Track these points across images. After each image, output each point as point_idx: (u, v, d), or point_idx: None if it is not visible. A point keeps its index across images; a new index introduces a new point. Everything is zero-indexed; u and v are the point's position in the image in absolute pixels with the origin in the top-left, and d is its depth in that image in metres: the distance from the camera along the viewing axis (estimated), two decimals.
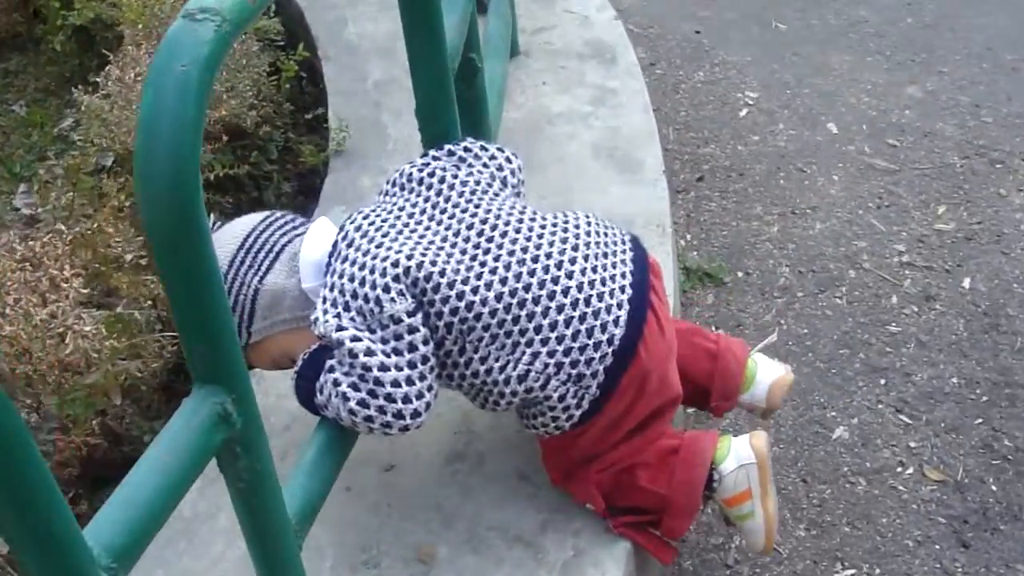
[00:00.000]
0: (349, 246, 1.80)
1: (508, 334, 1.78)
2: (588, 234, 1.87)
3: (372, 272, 1.73)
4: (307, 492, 1.74)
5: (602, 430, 1.89)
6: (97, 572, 1.20)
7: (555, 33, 3.43)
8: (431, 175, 1.91)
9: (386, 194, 1.97)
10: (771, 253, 3.30)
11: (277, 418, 2.27)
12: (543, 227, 1.86)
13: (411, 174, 1.94)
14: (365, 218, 1.87)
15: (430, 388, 1.78)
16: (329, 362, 1.78)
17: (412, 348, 1.73)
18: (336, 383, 1.76)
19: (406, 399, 1.74)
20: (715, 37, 4.38)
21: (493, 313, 1.76)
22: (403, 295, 1.72)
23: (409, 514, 2.06)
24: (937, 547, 2.52)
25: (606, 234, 1.91)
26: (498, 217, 1.84)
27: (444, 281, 1.74)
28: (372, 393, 1.73)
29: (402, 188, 1.94)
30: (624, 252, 1.90)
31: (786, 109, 3.92)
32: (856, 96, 3.99)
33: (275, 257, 1.88)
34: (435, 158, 1.97)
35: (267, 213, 1.99)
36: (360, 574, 1.98)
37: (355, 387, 1.74)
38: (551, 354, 1.77)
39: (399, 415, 1.75)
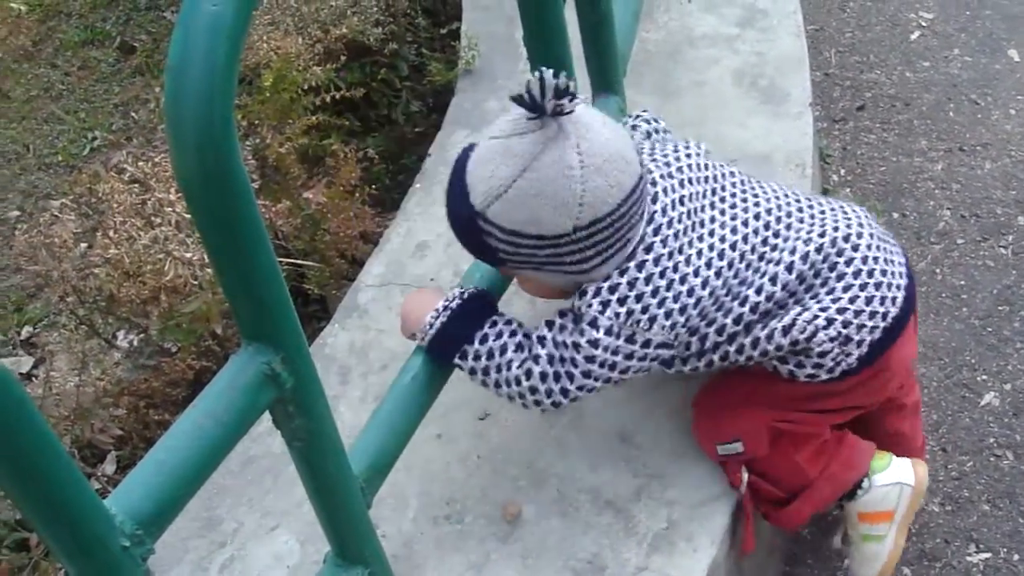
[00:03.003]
0: (651, 257, 1.64)
1: (782, 307, 1.75)
2: (862, 218, 1.83)
3: (673, 302, 1.65)
4: (378, 447, 1.65)
5: (819, 394, 1.85)
6: (118, 539, 1.13)
7: None
8: (690, 170, 1.75)
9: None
10: (932, 193, 3.04)
11: (376, 355, 2.19)
12: (822, 210, 1.81)
13: (668, 161, 1.75)
14: (663, 224, 1.66)
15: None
16: (542, 331, 1.71)
17: (638, 371, 1.70)
18: (534, 352, 1.70)
19: (575, 398, 1.71)
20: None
21: (771, 297, 1.73)
22: (678, 326, 1.66)
23: (499, 468, 1.96)
24: None
25: (877, 224, 1.87)
26: (771, 204, 1.78)
27: (731, 296, 1.71)
28: (557, 376, 1.69)
29: (666, 177, 1.71)
30: (895, 245, 1.88)
31: (963, 32, 3.59)
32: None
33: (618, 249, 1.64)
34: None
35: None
36: (441, 528, 1.89)
37: (551, 360, 1.69)
38: (824, 309, 1.73)
39: (556, 404, 1.72)
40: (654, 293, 1.62)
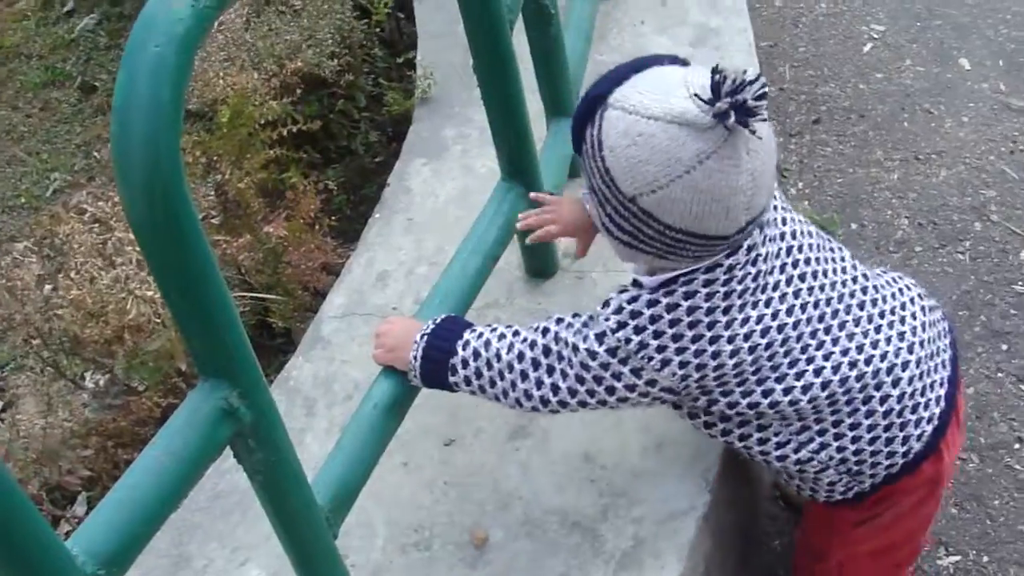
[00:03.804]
0: (687, 305, 1.52)
1: (802, 420, 1.64)
2: (923, 327, 1.70)
3: (694, 356, 1.53)
4: (342, 477, 1.66)
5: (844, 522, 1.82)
6: None
7: None
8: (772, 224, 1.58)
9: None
10: (889, 203, 3.07)
11: (341, 386, 2.20)
12: (881, 312, 1.66)
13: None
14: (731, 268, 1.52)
15: None
16: (546, 323, 1.65)
17: (637, 404, 1.64)
18: (530, 339, 1.65)
19: (564, 402, 1.64)
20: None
21: (794, 403, 1.60)
22: (690, 380, 1.56)
23: (465, 493, 1.96)
24: None
25: (934, 324, 1.75)
26: (832, 293, 1.62)
27: (751, 379, 1.58)
28: (551, 370, 1.62)
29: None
30: (946, 349, 1.76)
31: (915, 43, 3.64)
32: (993, 28, 3.67)
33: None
34: None
35: None
36: (410, 555, 1.89)
37: (547, 352, 1.63)
38: (841, 449, 1.66)
39: (545, 401, 1.65)
40: (676, 338, 1.51)
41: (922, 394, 1.67)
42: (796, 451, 1.66)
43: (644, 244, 1.46)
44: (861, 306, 1.65)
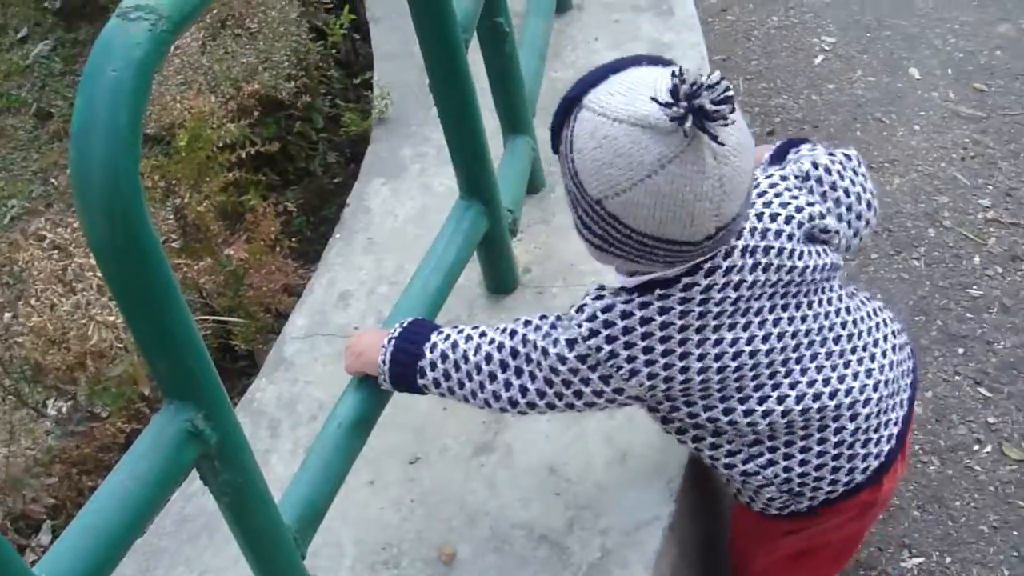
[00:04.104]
0: (661, 320, 1.50)
1: (757, 435, 1.64)
2: (891, 366, 1.71)
3: (663, 369, 1.52)
4: (308, 497, 1.66)
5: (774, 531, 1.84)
6: None
7: None
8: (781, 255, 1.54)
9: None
10: None
11: (305, 406, 2.21)
12: (853, 348, 1.66)
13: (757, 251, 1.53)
14: (713, 287, 1.49)
15: None
16: (514, 325, 1.64)
17: (605, 408, 1.62)
18: (497, 341, 1.64)
19: (532, 403, 1.63)
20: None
21: (752, 424, 1.61)
22: (657, 390, 1.55)
23: (432, 510, 1.97)
24: (1015, 533, 2.35)
25: (902, 363, 1.76)
26: (813, 324, 1.61)
27: (715, 395, 1.58)
28: (519, 372, 1.61)
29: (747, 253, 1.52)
30: (906, 389, 1.76)
31: (865, 54, 3.69)
32: (941, 37, 3.73)
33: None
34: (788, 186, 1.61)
35: None
36: (379, 574, 1.90)
37: (514, 354, 1.62)
38: (787, 470, 1.66)
39: (514, 402, 1.64)
40: (647, 350, 1.50)
41: (875, 431, 1.68)
42: (745, 462, 1.66)
43: (615, 248, 1.43)
44: (836, 340, 1.64)
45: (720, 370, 1.53)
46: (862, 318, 1.70)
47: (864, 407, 1.65)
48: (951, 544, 2.34)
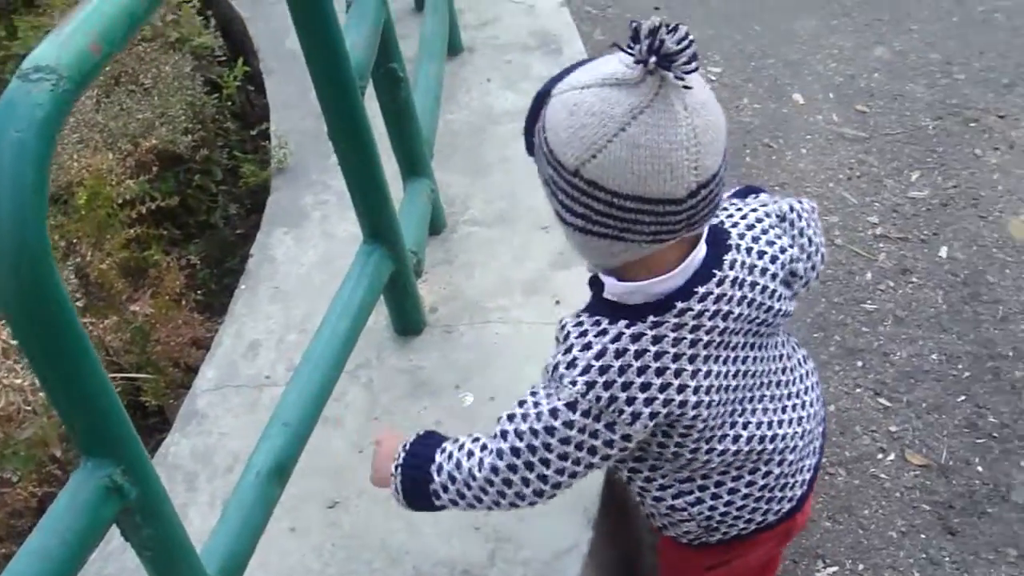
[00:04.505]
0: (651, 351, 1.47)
1: (693, 471, 1.64)
2: (813, 415, 1.74)
3: (642, 392, 1.47)
4: (229, 548, 1.66)
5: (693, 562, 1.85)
6: None
7: (500, 26, 3.31)
8: (739, 303, 1.52)
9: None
10: None
11: (220, 458, 2.20)
12: (789, 394, 1.68)
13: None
14: (701, 316, 1.48)
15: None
16: (501, 426, 1.58)
17: (605, 458, 1.54)
18: (494, 449, 1.58)
19: (558, 484, 1.56)
20: (675, 11, 4.25)
21: (700, 460, 1.60)
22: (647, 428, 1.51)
23: (354, 554, 1.98)
24: (923, 536, 2.43)
25: (819, 412, 1.78)
26: (765, 367, 1.62)
27: (695, 432, 1.55)
28: (529, 465, 1.54)
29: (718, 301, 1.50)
30: (819, 437, 1.79)
31: (750, 82, 3.80)
32: (822, 63, 3.86)
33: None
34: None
35: None
36: None
37: (516, 453, 1.54)
38: (712, 508, 1.68)
39: (540, 493, 1.57)
40: (645, 387, 1.46)
41: (793, 476, 1.71)
42: (674, 497, 1.68)
43: (598, 224, 1.37)
44: (778, 384, 1.66)
45: (709, 404, 1.52)
46: (794, 366, 1.72)
47: (791, 453, 1.68)
48: (862, 552, 2.40)
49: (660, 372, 1.45)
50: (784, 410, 1.67)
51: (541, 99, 1.42)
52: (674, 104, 1.29)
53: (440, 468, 1.64)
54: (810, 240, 1.64)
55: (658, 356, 1.45)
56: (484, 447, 1.60)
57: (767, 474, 1.67)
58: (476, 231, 2.60)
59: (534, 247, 2.53)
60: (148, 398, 2.47)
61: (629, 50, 1.29)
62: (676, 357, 1.46)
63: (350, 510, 2.05)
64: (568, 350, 1.48)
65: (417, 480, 1.66)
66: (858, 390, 2.72)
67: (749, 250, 1.53)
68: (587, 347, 1.46)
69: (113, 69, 2.92)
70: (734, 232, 1.53)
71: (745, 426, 1.60)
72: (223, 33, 3.39)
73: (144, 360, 2.48)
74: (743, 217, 1.57)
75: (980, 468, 2.55)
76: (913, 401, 2.70)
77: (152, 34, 3.05)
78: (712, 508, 1.68)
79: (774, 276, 1.55)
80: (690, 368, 1.47)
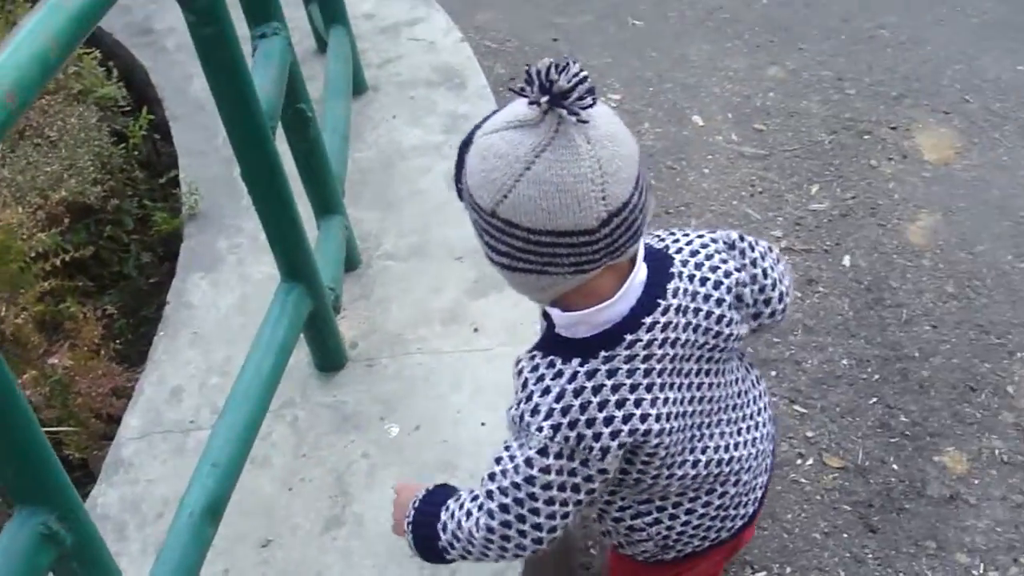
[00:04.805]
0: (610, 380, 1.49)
1: (652, 494, 1.67)
2: (765, 435, 1.77)
3: (607, 427, 1.48)
4: None
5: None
6: None
7: (403, 63, 3.36)
8: (695, 328, 1.55)
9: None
10: None
11: (149, 505, 2.20)
12: (742, 416, 1.71)
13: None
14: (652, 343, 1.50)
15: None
16: (485, 486, 1.58)
17: (590, 492, 1.55)
18: (486, 509, 1.58)
19: (554, 528, 1.57)
20: (573, 42, 4.33)
21: (659, 485, 1.63)
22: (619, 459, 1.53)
23: None
24: (845, 536, 2.50)
25: (771, 433, 1.81)
26: (719, 391, 1.64)
27: (656, 460, 1.57)
28: (521, 518, 1.55)
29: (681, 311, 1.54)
30: (769, 455, 1.82)
31: (650, 107, 3.89)
32: (719, 85, 3.96)
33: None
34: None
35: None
36: None
37: (505, 509, 1.56)
38: (669, 528, 1.72)
39: (539, 542, 1.58)
40: (608, 421, 1.47)
41: (746, 495, 1.76)
42: (633, 518, 1.71)
43: (521, 261, 1.40)
44: (734, 407, 1.69)
45: (670, 431, 1.53)
46: (748, 388, 1.75)
47: (746, 473, 1.72)
48: (789, 555, 2.46)
49: (620, 404, 1.47)
50: (740, 432, 1.70)
51: (464, 148, 1.45)
52: (575, 139, 1.31)
53: (445, 527, 1.66)
54: (765, 273, 1.65)
55: (615, 389, 1.47)
56: (481, 506, 1.61)
57: (723, 494, 1.70)
58: (391, 265, 2.64)
59: (449, 277, 2.57)
60: (71, 451, 2.45)
61: (524, 92, 1.32)
62: (633, 388, 1.48)
63: (283, 547, 2.06)
64: (529, 398, 1.50)
65: (427, 537, 1.69)
66: (774, 399, 2.79)
67: (692, 277, 1.55)
68: (546, 392, 1.48)
69: (18, 123, 2.90)
70: (678, 259, 1.56)
71: (704, 451, 1.63)
72: (126, 83, 3.39)
73: (65, 413, 2.47)
74: (688, 243, 1.60)
75: (895, 466, 2.63)
76: (827, 406, 2.78)
77: (55, 86, 3.03)
78: (669, 528, 1.71)
79: (719, 301, 1.56)
80: (648, 397, 1.49)
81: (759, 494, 1.80)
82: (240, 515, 2.03)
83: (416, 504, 1.73)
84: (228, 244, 2.77)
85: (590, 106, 1.31)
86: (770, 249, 1.71)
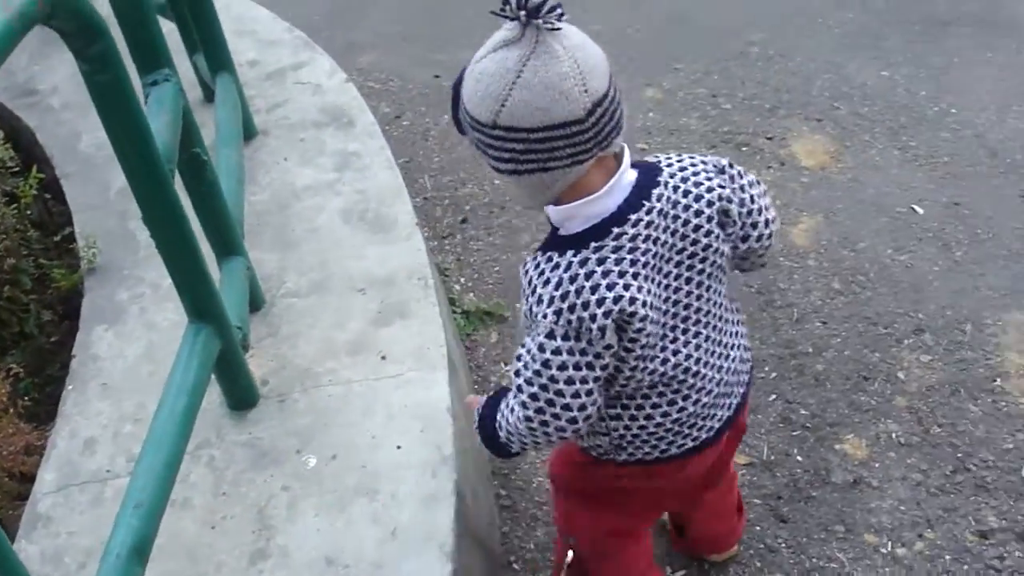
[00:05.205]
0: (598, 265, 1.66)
1: (621, 388, 1.82)
2: (730, 371, 1.92)
3: (599, 307, 1.64)
4: None
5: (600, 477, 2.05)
6: None
7: (290, 107, 3.40)
8: (686, 223, 1.72)
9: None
10: None
11: (72, 557, 2.19)
12: (716, 341, 1.86)
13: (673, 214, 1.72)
14: (638, 237, 1.68)
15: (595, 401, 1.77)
16: (515, 380, 1.77)
17: (604, 367, 1.72)
18: (518, 400, 1.77)
19: (583, 406, 1.74)
20: (456, 78, 4.39)
21: (638, 380, 1.79)
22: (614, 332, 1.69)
23: None
24: (758, 528, 2.58)
25: (739, 374, 1.97)
26: (704, 301, 1.81)
27: (637, 348, 1.72)
28: (551, 402, 1.73)
29: (662, 216, 1.70)
30: (736, 396, 1.98)
31: None
32: None
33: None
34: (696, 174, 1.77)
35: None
36: None
37: (534, 397, 1.74)
38: (627, 428, 1.88)
39: (574, 421, 1.75)
40: (600, 303, 1.63)
41: (703, 419, 1.91)
42: (631, 418, 1.87)
43: (525, 163, 1.58)
44: (710, 328, 1.84)
45: (647, 319, 1.69)
46: (726, 321, 1.90)
47: (706, 395, 1.88)
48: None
49: (609, 286, 1.63)
50: (709, 353, 1.85)
51: (458, 87, 1.65)
52: (553, 46, 1.52)
53: (500, 425, 1.88)
54: (752, 198, 1.82)
55: (605, 273, 1.64)
56: (518, 400, 1.79)
57: (681, 409, 1.86)
58: (295, 302, 2.67)
59: (353, 310, 2.61)
60: None
61: (503, 12, 1.53)
62: (620, 274, 1.65)
63: None
64: (534, 291, 1.68)
65: (492, 437, 1.92)
66: None
67: (676, 188, 1.71)
68: (547, 282, 1.67)
69: None
70: (667, 171, 1.72)
71: (675, 353, 1.79)
72: (12, 145, 3.38)
73: None
74: (679, 160, 1.77)
75: (799, 457, 2.73)
76: None
77: None
78: (627, 428, 1.88)
79: (699, 213, 1.72)
80: (632, 281, 1.65)
81: (715, 425, 1.94)
82: (165, 558, 2.04)
83: (479, 410, 1.96)
84: (130, 295, 2.78)
85: (562, 15, 1.52)
86: (758, 182, 1.87)
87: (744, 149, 3.79)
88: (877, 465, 2.69)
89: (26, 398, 2.70)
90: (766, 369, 2.97)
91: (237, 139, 2.96)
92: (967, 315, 3.10)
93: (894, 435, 2.76)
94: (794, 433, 2.79)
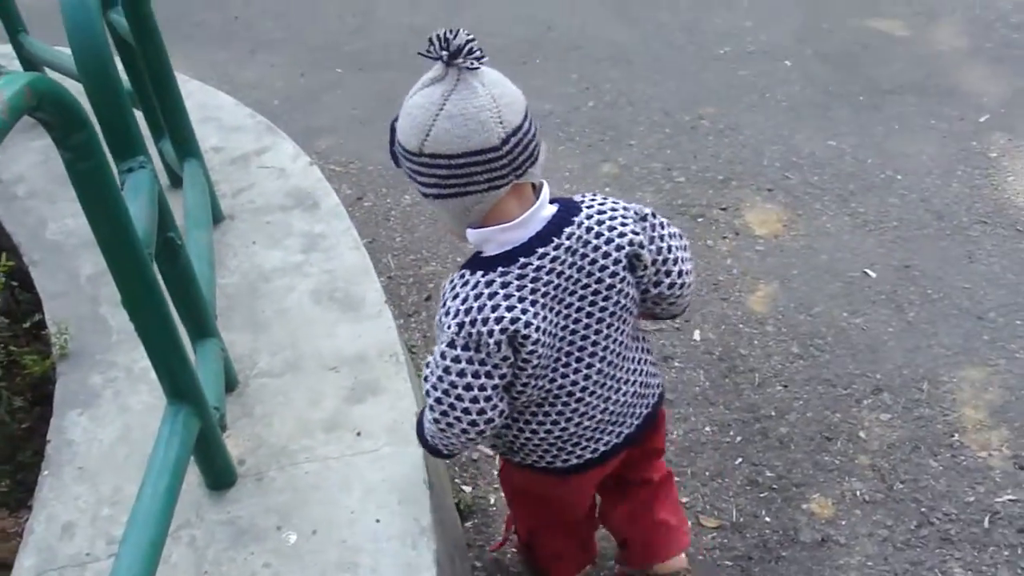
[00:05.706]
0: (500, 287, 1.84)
1: (518, 401, 1.99)
2: (617, 405, 2.09)
3: (496, 324, 1.81)
4: None
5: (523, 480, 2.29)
6: None
7: (255, 191, 3.46)
8: (583, 255, 1.87)
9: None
10: None
11: None
12: (609, 375, 2.03)
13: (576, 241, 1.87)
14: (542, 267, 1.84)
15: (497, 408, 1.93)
16: (429, 385, 1.93)
17: (502, 377, 1.88)
18: (428, 403, 1.95)
19: (483, 410, 1.90)
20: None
21: (529, 395, 1.97)
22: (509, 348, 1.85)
23: None
24: None
25: (642, 396, 2.15)
26: (601, 341, 1.97)
27: (529, 368, 1.89)
28: (452, 407, 1.90)
29: (568, 251, 1.85)
30: (635, 418, 2.15)
31: None
32: (557, 184, 4.16)
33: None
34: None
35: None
36: None
37: (439, 400, 1.91)
38: (516, 436, 2.10)
39: (475, 424, 1.92)
40: (498, 320, 1.80)
41: (586, 441, 2.10)
42: (540, 425, 2.06)
43: (448, 188, 1.76)
44: (604, 361, 2.00)
45: (540, 343, 1.86)
46: (626, 362, 2.07)
47: (588, 420, 2.06)
48: None
49: (509, 308, 1.81)
50: (598, 384, 2.02)
51: (393, 124, 1.82)
52: (472, 83, 1.71)
53: (425, 428, 2.07)
54: (670, 248, 1.97)
55: (506, 296, 1.82)
56: (427, 406, 1.97)
57: (563, 428, 2.06)
58: (268, 382, 2.71)
59: (326, 387, 2.65)
60: None
61: (429, 53, 1.71)
62: (520, 299, 1.82)
63: None
64: (444, 303, 1.87)
65: (423, 438, 2.17)
66: None
67: (590, 229, 1.86)
68: (456, 296, 1.85)
69: None
70: (585, 211, 1.88)
71: (563, 376, 1.98)
72: None
73: None
74: (601, 203, 1.92)
75: (768, 518, 2.78)
76: (697, 471, 2.93)
77: None
78: (515, 436, 2.10)
79: (607, 255, 1.87)
80: (529, 308, 1.83)
81: (600, 448, 2.13)
82: None
83: (417, 415, 2.21)
84: (103, 379, 2.80)
85: (480, 58, 1.70)
86: (681, 236, 2.03)
87: (700, 220, 3.89)
88: (844, 523, 2.76)
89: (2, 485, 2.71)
90: (731, 433, 3.04)
91: (207, 223, 3.01)
92: (923, 373, 3.19)
93: (859, 493, 2.83)
94: (761, 495, 2.85)
